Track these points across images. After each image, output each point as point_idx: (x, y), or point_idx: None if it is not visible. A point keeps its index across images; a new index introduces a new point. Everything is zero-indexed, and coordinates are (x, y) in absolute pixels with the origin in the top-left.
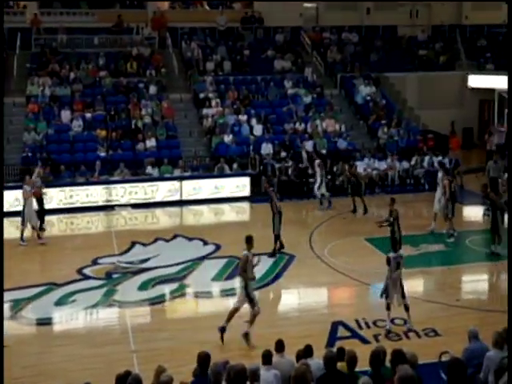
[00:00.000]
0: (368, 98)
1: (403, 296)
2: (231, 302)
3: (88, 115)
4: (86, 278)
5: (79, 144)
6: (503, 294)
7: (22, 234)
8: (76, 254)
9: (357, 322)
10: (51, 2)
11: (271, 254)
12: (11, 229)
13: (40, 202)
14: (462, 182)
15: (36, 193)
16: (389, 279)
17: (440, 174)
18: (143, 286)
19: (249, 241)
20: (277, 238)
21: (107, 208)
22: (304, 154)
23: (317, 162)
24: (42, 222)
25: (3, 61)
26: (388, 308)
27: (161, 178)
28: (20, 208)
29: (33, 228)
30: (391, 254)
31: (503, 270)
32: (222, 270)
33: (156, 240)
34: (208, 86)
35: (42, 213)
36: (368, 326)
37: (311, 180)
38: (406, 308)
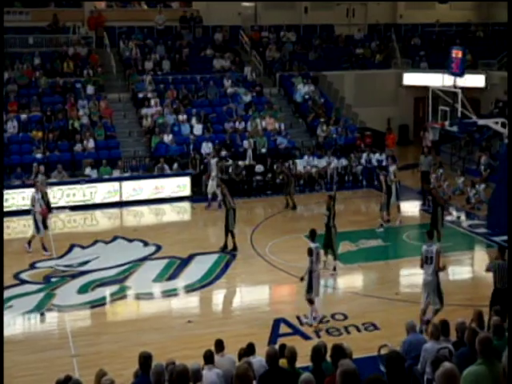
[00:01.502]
0: (307, 96)
1: (318, 290)
2: (173, 303)
3: (23, 116)
4: (23, 282)
5: (14, 146)
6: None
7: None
8: (13, 258)
9: (298, 318)
10: None
11: (232, 249)
12: None
13: None
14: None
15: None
16: (313, 272)
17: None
18: (83, 289)
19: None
20: (232, 233)
21: None
22: (249, 152)
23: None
24: None
25: (3, 60)
26: (311, 302)
27: (100, 180)
28: None
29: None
30: (312, 245)
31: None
32: (164, 270)
33: (95, 242)
34: (147, 85)
35: None
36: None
37: (258, 178)
38: (311, 301)
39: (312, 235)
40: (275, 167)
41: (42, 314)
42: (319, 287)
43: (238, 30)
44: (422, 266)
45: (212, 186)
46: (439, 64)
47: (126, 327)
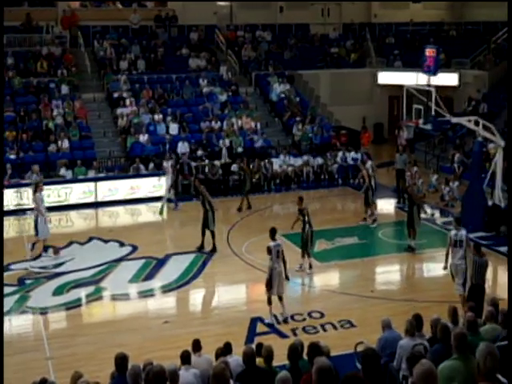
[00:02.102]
0: (282, 95)
1: (282, 287)
2: (149, 303)
3: None
4: None
5: None
6: (414, 284)
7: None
8: None
9: (275, 317)
10: None
11: (212, 250)
12: None
13: None
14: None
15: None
16: (273, 270)
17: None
18: (58, 291)
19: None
20: (213, 234)
21: (18, 212)
22: (224, 151)
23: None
24: None
25: (3, 60)
26: (269, 302)
27: (75, 180)
28: None
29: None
30: (271, 243)
31: (415, 260)
32: (140, 271)
33: (70, 243)
34: (122, 85)
35: None
36: (286, 321)
37: (234, 177)
38: (280, 298)
39: (272, 234)
40: (251, 167)
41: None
42: (283, 284)
43: (214, 30)
44: (448, 252)
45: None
46: (413, 63)
47: (101, 328)
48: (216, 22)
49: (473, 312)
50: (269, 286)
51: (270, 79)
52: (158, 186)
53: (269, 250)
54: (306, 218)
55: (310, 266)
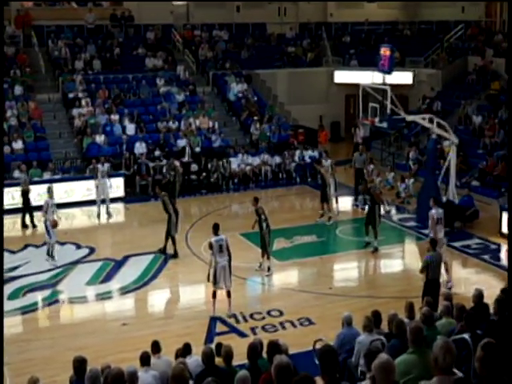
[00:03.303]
0: (240, 94)
1: (229, 281)
2: (107, 306)
3: None
4: None
5: None
6: (373, 280)
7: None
8: None
9: (234, 316)
10: None
11: (173, 255)
12: None
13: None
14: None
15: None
16: (217, 264)
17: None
18: (13, 295)
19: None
20: (173, 239)
21: None
22: (188, 150)
23: None
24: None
25: (3, 60)
26: (214, 296)
27: (30, 182)
28: None
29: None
30: (213, 239)
31: (372, 257)
32: (97, 273)
33: (26, 246)
34: (77, 85)
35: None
36: (245, 320)
37: (193, 177)
38: (228, 294)
39: (214, 229)
40: (209, 166)
41: None
42: (229, 279)
43: (170, 29)
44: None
45: (103, 190)
46: (369, 62)
47: (59, 332)
48: (172, 21)
49: (429, 307)
50: (213, 280)
51: (227, 79)
52: (115, 187)
53: (210, 245)
54: (263, 217)
55: (269, 269)
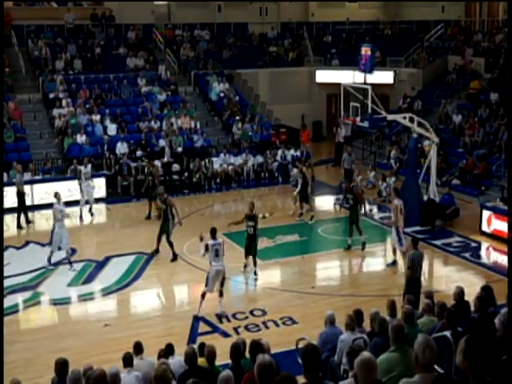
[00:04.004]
0: (222, 94)
1: (222, 284)
2: (89, 307)
3: None
4: None
5: None
6: (355, 279)
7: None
8: None
9: (217, 316)
10: None
11: (173, 259)
12: None
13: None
14: (313, 173)
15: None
16: (212, 267)
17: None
18: None
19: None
20: (171, 244)
21: None
22: (167, 150)
23: None
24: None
25: (3, 60)
26: (203, 296)
27: (10, 183)
28: None
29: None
30: (210, 242)
31: (354, 256)
32: (79, 274)
33: (6, 248)
34: (58, 85)
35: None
36: (228, 320)
37: (175, 177)
38: (221, 294)
39: (212, 233)
40: (191, 166)
41: None
42: (217, 283)
43: (152, 29)
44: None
45: (87, 192)
46: (350, 61)
47: (40, 334)
48: (154, 21)
49: (411, 305)
50: (205, 282)
51: (209, 78)
52: (96, 187)
53: (206, 247)
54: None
55: (255, 273)
